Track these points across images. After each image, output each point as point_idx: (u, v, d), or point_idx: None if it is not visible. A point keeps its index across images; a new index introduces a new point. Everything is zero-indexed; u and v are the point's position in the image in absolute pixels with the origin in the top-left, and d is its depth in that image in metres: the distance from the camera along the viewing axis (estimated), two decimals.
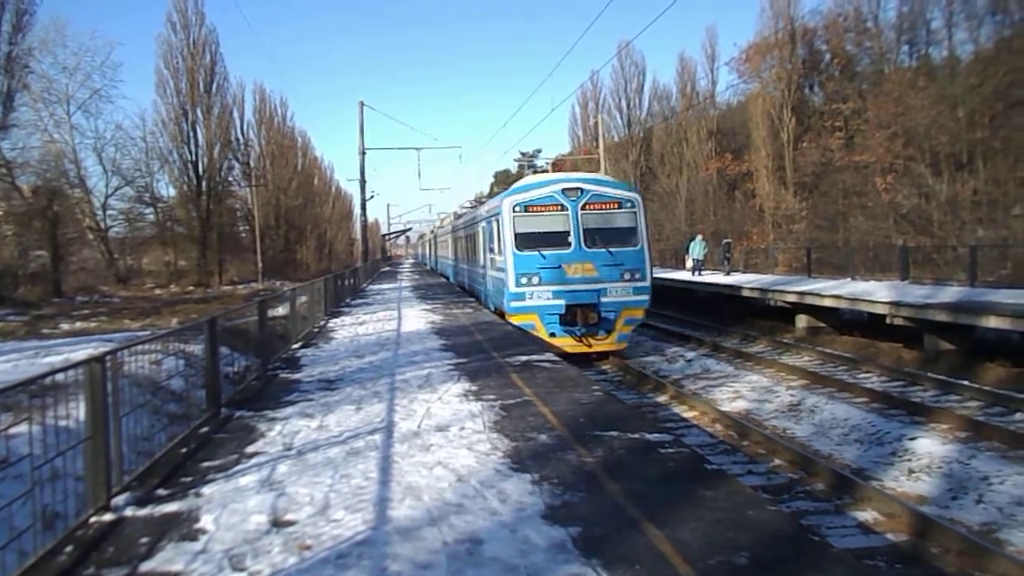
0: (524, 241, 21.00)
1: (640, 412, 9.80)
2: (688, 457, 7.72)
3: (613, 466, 7.50)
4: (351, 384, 12.50)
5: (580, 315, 20.72)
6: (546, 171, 44.80)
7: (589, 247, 20.84)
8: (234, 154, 68.00)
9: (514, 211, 21.13)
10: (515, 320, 20.96)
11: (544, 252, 20.75)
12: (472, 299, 31.83)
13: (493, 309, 24.03)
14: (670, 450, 7.99)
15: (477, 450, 8.27)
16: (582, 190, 21.24)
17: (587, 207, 21.08)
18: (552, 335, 20.78)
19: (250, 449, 8.68)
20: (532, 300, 20.76)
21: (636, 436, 8.56)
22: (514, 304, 20.89)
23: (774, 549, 5.43)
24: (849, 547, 8.03)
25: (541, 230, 21.07)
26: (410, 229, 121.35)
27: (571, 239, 20.88)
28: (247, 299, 32.08)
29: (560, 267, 20.73)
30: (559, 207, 21.06)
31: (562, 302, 20.58)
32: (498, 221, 21.88)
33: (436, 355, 15.44)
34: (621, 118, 70.90)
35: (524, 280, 20.67)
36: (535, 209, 21.16)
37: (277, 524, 6.27)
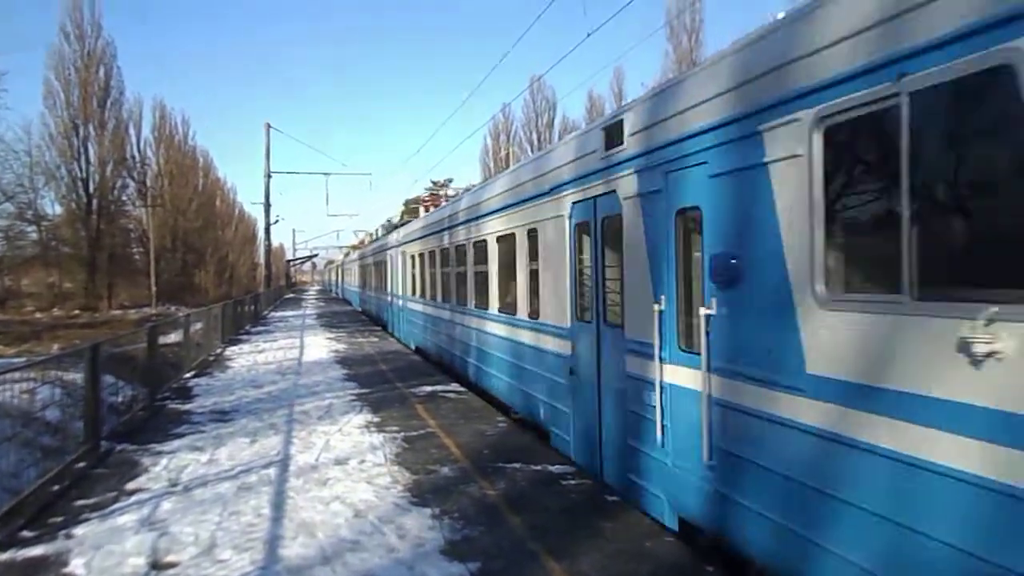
0: None
1: (545, 443, 9.73)
2: (590, 488, 7.68)
3: (516, 499, 7.38)
4: (246, 415, 11.99)
5: None
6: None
7: None
8: (129, 172, 65.21)
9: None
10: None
11: None
12: (379, 328, 31.29)
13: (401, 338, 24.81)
14: (572, 481, 7.94)
15: (377, 484, 8.01)
16: None
17: None
18: None
19: (131, 485, 8.15)
20: None
21: (539, 468, 8.48)
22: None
23: None
24: None
25: None
26: (316, 255, 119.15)
27: None
28: (138, 325, 30.62)
29: None
30: None
31: None
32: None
33: (338, 385, 15.03)
34: (532, 151, 71.85)
35: None
36: None
37: (157, 567, 5.86)
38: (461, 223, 14.59)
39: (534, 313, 10.11)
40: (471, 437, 10.12)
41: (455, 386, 14.67)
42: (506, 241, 11.41)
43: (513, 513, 6.94)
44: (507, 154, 64.87)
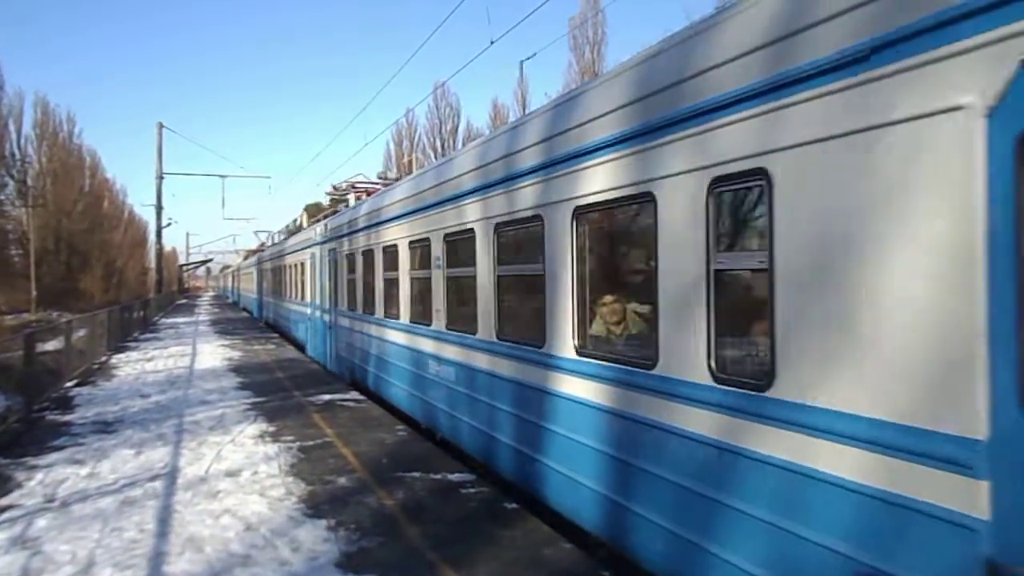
0: None
1: (445, 451, 9.68)
2: (488, 497, 7.68)
3: (413, 508, 7.31)
4: (132, 426, 11.44)
5: None
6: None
7: None
8: (8, 170, 61.51)
9: None
10: None
11: None
12: (276, 335, 30.45)
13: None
14: (471, 490, 7.92)
15: (270, 495, 7.77)
16: None
17: None
18: None
19: (2, 502, 7.64)
20: None
21: (438, 476, 8.42)
22: None
23: None
24: None
25: None
26: (211, 260, 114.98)
27: None
28: (15, 331, 28.80)
29: None
30: None
31: None
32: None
33: (232, 394, 14.54)
34: (436, 157, 71.63)
35: None
36: None
37: None
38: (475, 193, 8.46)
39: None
40: (369, 446, 9.97)
41: (354, 394, 14.42)
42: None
43: (411, 523, 6.87)
44: (410, 160, 64.41)
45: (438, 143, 71.17)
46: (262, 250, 48.00)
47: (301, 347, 23.96)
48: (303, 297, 23.65)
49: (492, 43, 13.56)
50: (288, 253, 28.39)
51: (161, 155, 48.80)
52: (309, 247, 21.87)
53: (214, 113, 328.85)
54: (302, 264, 23.80)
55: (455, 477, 8.39)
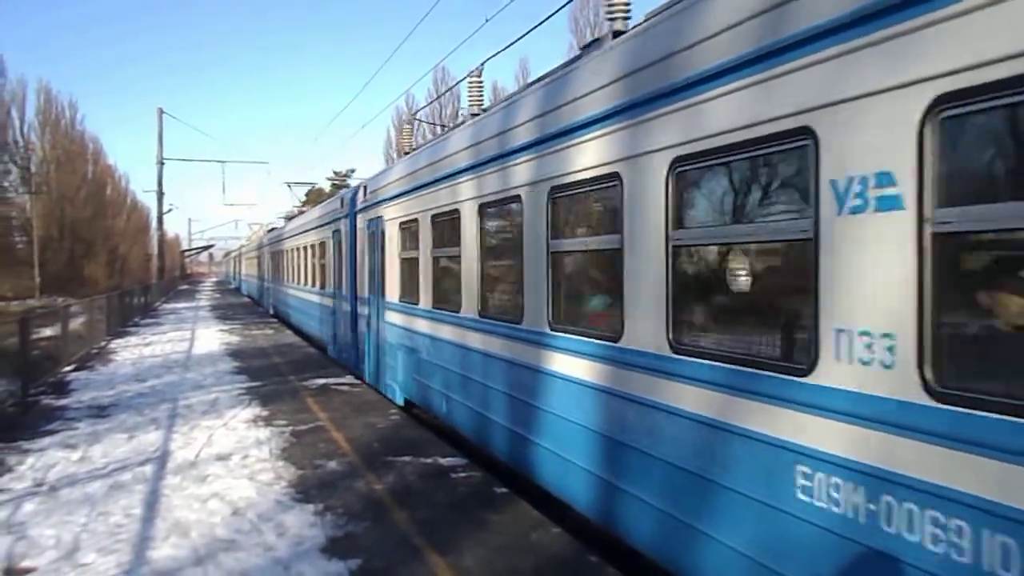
0: None
1: (438, 436, 9.63)
2: (479, 481, 7.62)
3: (403, 493, 7.26)
4: (126, 411, 11.41)
5: None
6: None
7: None
8: (11, 158, 61.39)
9: None
10: None
11: None
12: (275, 320, 30.43)
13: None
14: (462, 474, 7.86)
15: (259, 480, 7.73)
16: None
17: None
18: None
19: None
20: None
21: (429, 461, 8.37)
22: None
23: (554, 572, 5.41)
24: None
25: None
26: (213, 246, 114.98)
27: None
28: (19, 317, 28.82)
29: None
30: None
31: None
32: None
33: (227, 378, 14.51)
34: None
35: None
36: None
37: (10, 573, 5.47)
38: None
39: None
40: (361, 431, 9.92)
41: (348, 379, 14.37)
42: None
43: (399, 508, 6.82)
44: (411, 145, 64.17)
45: (438, 128, 70.78)
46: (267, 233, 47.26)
47: (320, 345, 19.73)
48: (321, 284, 19.57)
49: (487, 20, 13.38)
50: (299, 233, 24.42)
51: (162, 141, 48.63)
52: (331, 222, 17.53)
53: (213, 100, 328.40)
54: (320, 245, 19.62)
55: (446, 461, 8.34)
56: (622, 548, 5.52)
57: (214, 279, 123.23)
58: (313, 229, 20.92)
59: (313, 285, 21.03)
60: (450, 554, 5.71)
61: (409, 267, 10.97)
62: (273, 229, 40.32)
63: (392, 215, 11.73)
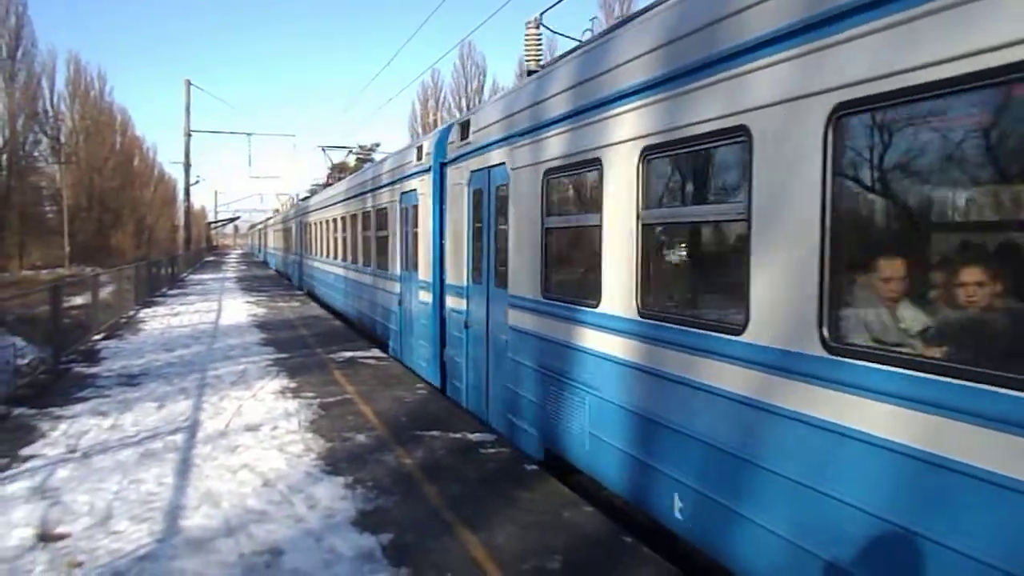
0: None
1: (465, 410, 9.59)
2: (508, 457, 7.57)
3: (432, 467, 7.22)
4: (156, 379, 11.49)
5: None
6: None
7: None
8: (41, 127, 62.02)
9: None
10: None
11: None
12: (300, 292, 30.52)
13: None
14: (491, 450, 7.82)
15: (289, 452, 7.73)
16: None
17: None
18: None
19: (25, 451, 7.68)
20: None
21: (458, 436, 8.33)
22: None
23: (587, 551, 5.35)
24: None
25: None
26: (239, 218, 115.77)
27: None
28: (50, 285, 29.22)
29: None
30: None
31: None
32: None
33: (255, 350, 14.58)
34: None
35: None
36: None
37: (45, 539, 5.50)
38: None
39: None
40: (389, 404, 9.90)
41: (375, 351, 14.37)
42: None
43: (429, 482, 6.78)
44: (436, 120, 63.96)
45: (463, 102, 70.41)
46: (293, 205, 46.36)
47: (382, 345, 15.16)
48: (377, 264, 15.60)
49: None
50: (343, 200, 20.13)
51: (189, 112, 48.81)
52: (396, 182, 13.56)
53: (240, 71, 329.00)
54: (376, 213, 15.45)
55: (475, 437, 8.30)
56: (659, 531, 5.43)
57: (239, 251, 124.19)
58: (366, 193, 16.61)
59: (365, 264, 17.10)
60: (481, 530, 5.67)
61: (577, 242, 7.06)
62: (306, 198, 37.44)
63: (532, 159, 7.42)
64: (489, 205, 8.91)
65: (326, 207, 24.38)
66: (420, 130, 72.49)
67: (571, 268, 7.29)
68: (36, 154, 61.97)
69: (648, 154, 5.34)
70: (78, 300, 18.91)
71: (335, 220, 21.94)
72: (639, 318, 5.50)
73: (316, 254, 27.38)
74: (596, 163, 6.09)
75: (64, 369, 12.52)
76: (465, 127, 9.84)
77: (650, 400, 5.36)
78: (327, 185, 30.28)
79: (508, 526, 5.77)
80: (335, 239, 22.01)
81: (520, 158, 7.77)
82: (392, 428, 8.68)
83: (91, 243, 68.75)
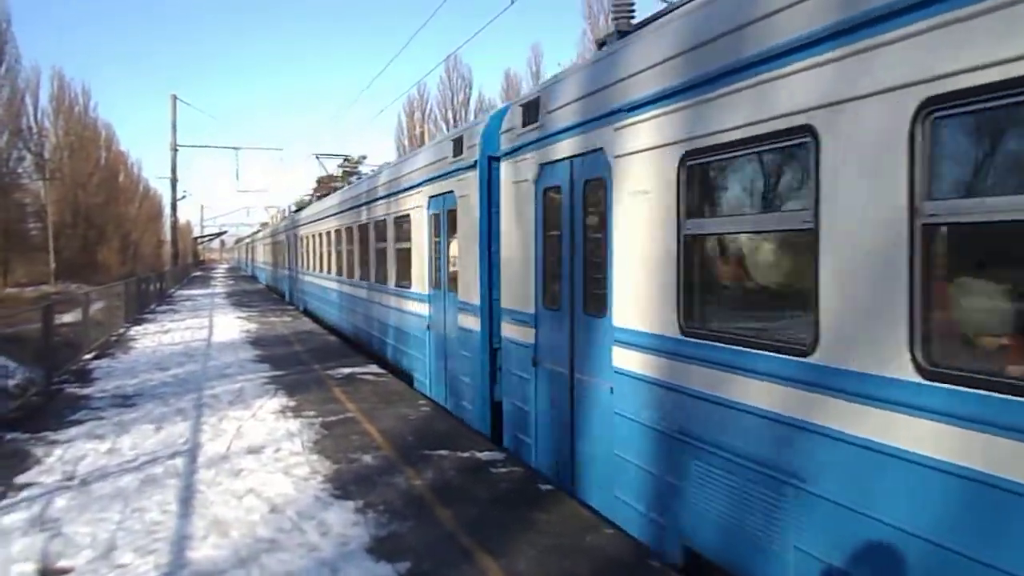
0: None
1: (471, 428, 9.40)
2: (521, 477, 7.38)
3: (443, 489, 7.02)
4: (151, 400, 11.23)
5: None
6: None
7: None
8: (25, 143, 61.29)
9: None
10: None
11: None
12: (292, 307, 30.24)
13: None
14: (502, 469, 7.63)
15: (295, 474, 7.52)
16: None
17: None
18: None
19: (20, 479, 7.42)
20: None
21: (466, 455, 8.14)
22: None
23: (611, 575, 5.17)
24: None
25: None
26: (226, 232, 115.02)
27: None
28: (35, 303, 28.79)
29: None
30: None
31: None
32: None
33: (250, 367, 14.32)
34: (447, 130, 70.84)
35: None
36: None
37: (47, 574, 5.27)
38: None
39: None
40: (393, 422, 9.70)
41: (373, 367, 14.15)
42: None
43: (442, 505, 6.59)
44: (422, 132, 63.81)
45: (450, 115, 70.37)
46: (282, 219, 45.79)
47: (407, 375, 13.04)
48: (397, 281, 13.51)
49: (513, 2, 12.84)
50: (351, 207, 17.83)
51: (175, 127, 48.48)
52: (428, 182, 11.34)
53: (226, 87, 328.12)
54: (397, 220, 13.32)
55: (484, 455, 8.10)
56: (688, 556, 5.25)
57: (226, 266, 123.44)
58: (377, 200, 14.70)
59: (378, 280, 15.01)
60: (501, 556, 5.47)
61: (755, 254, 5.04)
62: (298, 209, 34.25)
63: (660, 138, 5.39)
64: (573, 207, 6.87)
65: (324, 218, 22.39)
66: (406, 142, 72.25)
67: (742, 294, 5.11)
68: (20, 171, 61.23)
69: (932, 109, 3.26)
70: (67, 318, 18.57)
71: (337, 232, 20.14)
72: (919, 378, 3.33)
73: (313, 269, 25.53)
74: (804, 132, 4.03)
75: (56, 390, 12.24)
76: (532, 108, 7.71)
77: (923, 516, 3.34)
78: (319, 197, 29.38)
79: (528, 550, 5.58)
80: (338, 252, 20.09)
81: (633, 139, 5.73)
82: (399, 448, 8.48)
83: (76, 260, 67.97)
